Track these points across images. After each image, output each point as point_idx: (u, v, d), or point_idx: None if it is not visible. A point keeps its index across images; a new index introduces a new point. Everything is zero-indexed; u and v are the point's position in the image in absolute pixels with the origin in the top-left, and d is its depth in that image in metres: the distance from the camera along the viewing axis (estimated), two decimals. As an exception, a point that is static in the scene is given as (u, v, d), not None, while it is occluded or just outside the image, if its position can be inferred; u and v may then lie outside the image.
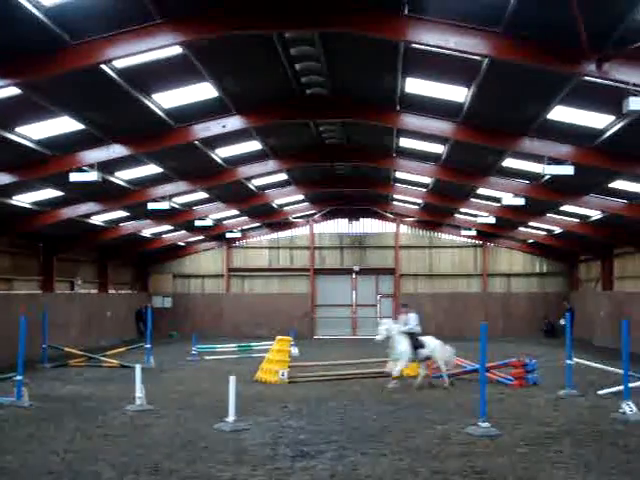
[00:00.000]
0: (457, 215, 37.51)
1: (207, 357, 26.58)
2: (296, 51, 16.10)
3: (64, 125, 18.02)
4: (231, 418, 13.04)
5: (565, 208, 29.02)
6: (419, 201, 35.48)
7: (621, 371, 15.63)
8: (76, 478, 9.61)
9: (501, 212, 31.88)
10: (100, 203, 26.73)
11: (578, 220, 31.20)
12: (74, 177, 20.03)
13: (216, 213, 34.08)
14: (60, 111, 16.98)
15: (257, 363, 21.32)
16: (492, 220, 33.55)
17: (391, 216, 41.61)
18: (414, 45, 14.49)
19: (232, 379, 13.19)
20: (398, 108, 19.62)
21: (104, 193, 25.47)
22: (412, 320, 19.40)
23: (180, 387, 18.89)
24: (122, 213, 30.20)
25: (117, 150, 20.42)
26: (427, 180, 29.38)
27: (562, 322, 31.31)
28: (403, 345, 18.46)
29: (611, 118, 16.65)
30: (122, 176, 24.01)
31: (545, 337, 39.13)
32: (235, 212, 35.52)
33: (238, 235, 40.57)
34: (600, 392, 17.28)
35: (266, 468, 10.10)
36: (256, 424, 13.45)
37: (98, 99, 16.91)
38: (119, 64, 14.86)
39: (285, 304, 41.67)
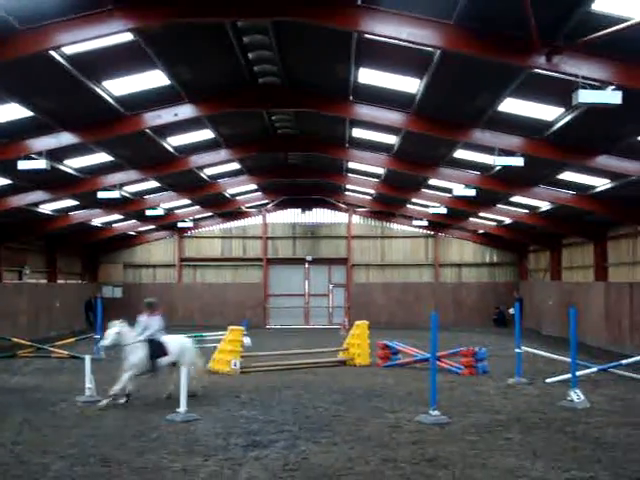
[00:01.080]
0: (409, 205, 37.76)
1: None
2: (249, 40, 16.01)
3: (12, 112, 17.69)
4: (182, 409, 12.96)
5: (515, 199, 29.42)
6: (371, 191, 35.65)
7: (569, 359, 15.92)
8: (25, 470, 9.47)
9: (452, 203, 32.18)
10: (49, 191, 26.33)
11: (527, 211, 31.67)
12: (22, 165, 19.66)
13: (168, 202, 33.78)
14: (8, 98, 16.67)
15: (209, 353, 21.22)
16: (443, 210, 33.86)
17: (344, 206, 41.73)
18: (367, 36, 14.52)
19: (184, 369, 13.12)
20: (351, 98, 19.66)
21: (53, 181, 25.07)
22: (154, 324, 15.70)
23: (131, 378, 18.68)
24: (72, 202, 29.76)
25: (66, 138, 20.12)
26: (380, 171, 29.52)
27: (512, 311, 31.77)
28: (136, 355, 14.83)
29: (560, 110, 16.89)
30: (72, 164, 23.66)
31: (495, 326, 39.66)
32: (187, 201, 35.28)
33: (190, 225, 40.32)
34: (548, 380, 17.57)
35: (218, 458, 10.07)
36: (208, 414, 13.40)
37: (47, 86, 16.63)
38: (69, 51, 14.63)
39: (238, 294, 41.60)
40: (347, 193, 38.45)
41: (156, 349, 15.26)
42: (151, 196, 32.14)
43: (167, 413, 13.20)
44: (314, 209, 42.46)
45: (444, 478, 9.02)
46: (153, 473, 9.35)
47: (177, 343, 16.01)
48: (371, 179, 32.19)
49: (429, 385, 13.17)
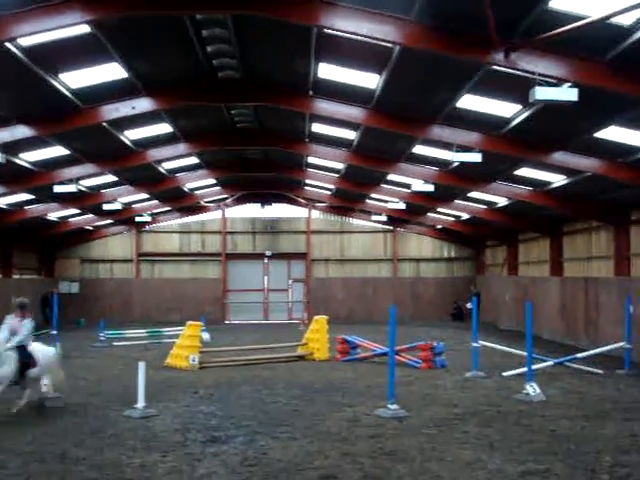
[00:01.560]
0: (368, 201, 37.86)
1: (116, 343, 26.13)
2: (208, 33, 15.87)
3: (-35, 104, 17.37)
4: (140, 404, 12.88)
5: (473, 194, 29.68)
6: (331, 186, 35.67)
7: (525, 353, 16.13)
8: (-22, 468, 9.33)
9: (411, 198, 32.35)
10: (4, 185, 25.89)
11: (485, 206, 31.96)
12: (-24, 159, 19.32)
13: (125, 196, 33.42)
14: (-39, 90, 16.36)
15: (167, 349, 21.11)
16: (402, 206, 34.03)
17: (303, 201, 41.72)
18: (327, 31, 14.50)
19: (141, 365, 13.02)
20: (311, 93, 19.64)
21: (8, 175, 24.64)
22: (25, 328, 13.29)
23: (88, 374, 18.53)
24: (27, 196, 29.28)
25: (22, 131, 19.76)
26: (339, 166, 29.56)
27: (469, 306, 32.09)
28: (8, 366, 12.71)
29: (518, 107, 17.06)
30: (27, 158, 23.27)
31: (453, 321, 40.03)
32: (145, 196, 34.93)
33: (148, 219, 39.91)
34: (505, 374, 17.79)
35: (176, 454, 10.03)
36: (166, 410, 13.33)
37: (2, 78, 16.32)
38: (25, 42, 14.37)
39: (196, 289, 41.37)
40: (307, 188, 38.44)
41: (25, 359, 13.03)
42: (108, 190, 31.73)
43: (125, 409, 13.10)
44: (274, 204, 42.35)
45: (402, 471, 9.09)
46: (112, 469, 9.28)
47: (43, 353, 13.68)
48: (331, 174, 32.21)
49: (388, 379, 13.26)
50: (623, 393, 15.28)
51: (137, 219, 39.15)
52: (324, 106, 20.04)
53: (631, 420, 12.33)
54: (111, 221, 40.08)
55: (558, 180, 23.59)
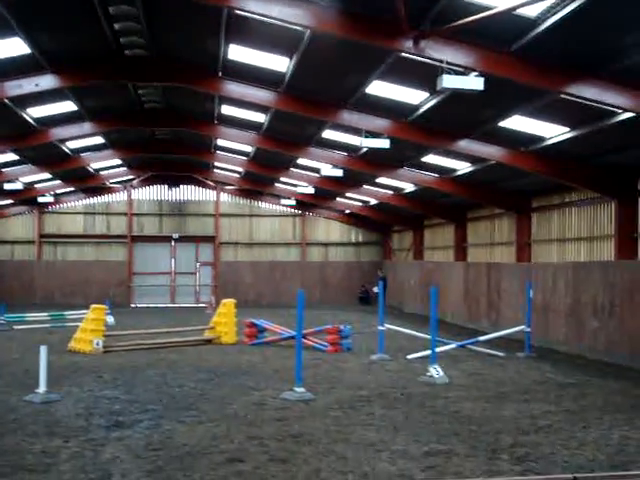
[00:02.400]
0: (277, 184, 37.86)
1: (17, 327, 25.38)
2: (115, 10, 15.46)
3: None
4: (42, 389, 12.54)
5: (381, 180, 30.03)
6: (240, 169, 35.50)
7: (429, 336, 16.47)
8: None
9: (320, 182, 32.52)
10: None
11: (392, 192, 32.40)
12: None
13: (27, 176, 32.39)
14: None
15: (71, 333, 20.63)
16: (311, 190, 34.18)
17: (212, 184, 41.37)
18: (238, 12, 14.36)
19: (43, 349, 12.66)
20: (220, 75, 19.44)
21: None
22: None
23: (-14, 358, 17.95)
24: None
25: None
26: (248, 149, 29.43)
27: (376, 290, 32.53)
28: None
29: (425, 95, 17.32)
30: None
31: (360, 304, 40.51)
32: (48, 175, 33.93)
33: (51, 200, 38.79)
34: (409, 356, 18.12)
35: (79, 439, 9.82)
36: (69, 395, 13.03)
37: None
38: None
39: (101, 272, 40.49)
40: (215, 171, 38.12)
41: None
42: (9, 169, 30.68)
43: (26, 394, 12.75)
44: (181, 186, 41.85)
45: (308, 453, 9.15)
46: (12, 455, 9.02)
47: None
48: (240, 157, 32.05)
49: (295, 363, 13.31)
50: (523, 375, 15.78)
51: (39, 199, 38.02)
52: (234, 88, 19.88)
53: (530, 401, 12.75)
54: (12, 201, 38.75)
55: (463, 167, 24.13)
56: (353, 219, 42.46)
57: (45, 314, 27.62)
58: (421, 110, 18.38)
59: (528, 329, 19.02)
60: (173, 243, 42.02)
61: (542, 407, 12.20)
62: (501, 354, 18.70)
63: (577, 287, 19.75)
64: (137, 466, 8.58)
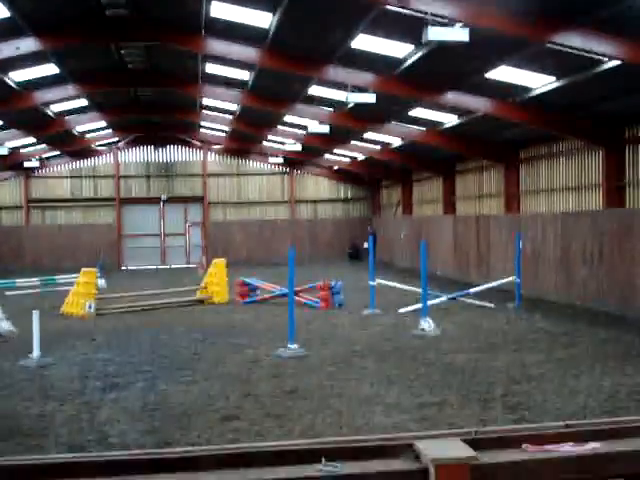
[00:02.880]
0: (265, 143, 37.67)
1: (7, 293, 25.32)
2: (94, -32, 15.24)
3: None
4: (36, 353, 12.58)
5: (368, 135, 29.89)
6: (226, 128, 35.27)
7: (420, 290, 16.54)
8: None
9: (307, 139, 32.36)
10: None
11: (380, 147, 32.28)
12: None
13: (12, 141, 32.06)
14: None
15: (62, 297, 20.62)
16: (299, 147, 34.01)
17: (198, 144, 41.13)
18: (218, -33, 14.15)
19: (35, 313, 12.68)
20: (203, 33, 19.19)
21: None
22: None
23: (-22, 325, 17.92)
24: None
25: None
26: (234, 107, 29.19)
27: (365, 246, 32.60)
28: None
29: (411, 47, 17.15)
30: None
31: (350, 260, 40.60)
32: (32, 140, 33.63)
33: (37, 164, 38.51)
34: (401, 310, 18.23)
35: (75, 402, 9.87)
36: (63, 359, 13.07)
37: None
38: None
39: (90, 235, 40.36)
40: (202, 130, 37.85)
41: None
42: (-7, 134, 30.44)
43: (20, 359, 12.78)
44: (168, 146, 41.59)
45: (303, 409, 9.24)
46: (8, 420, 9.07)
47: None
48: (226, 116, 31.81)
49: (287, 320, 13.38)
50: (513, 325, 15.92)
51: (25, 164, 37.73)
52: (217, 46, 19.66)
53: (521, 351, 12.88)
54: (-3, 167, 38.48)
55: (450, 120, 24.01)
56: (341, 175, 42.36)
57: (35, 279, 27.56)
58: (407, 63, 18.21)
59: (518, 280, 19.14)
60: (161, 204, 41.87)
61: (533, 357, 12.33)
62: (491, 305, 18.84)
63: (566, 237, 19.84)
64: (133, 427, 8.64)
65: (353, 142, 32.33)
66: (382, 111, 24.22)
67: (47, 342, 13.77)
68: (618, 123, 19.63)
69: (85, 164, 41.35)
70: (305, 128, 29.52)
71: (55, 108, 27.87)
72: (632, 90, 16.93)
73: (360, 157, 36.21)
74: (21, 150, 35.83)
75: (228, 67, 22.44)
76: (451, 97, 20.31)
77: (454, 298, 19.51)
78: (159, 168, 41.93)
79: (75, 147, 38.22)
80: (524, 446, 3.07)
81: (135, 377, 11.43)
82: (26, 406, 9.73)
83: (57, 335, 15.70)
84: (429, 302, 16.43)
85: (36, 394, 10.43)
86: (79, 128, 33.66)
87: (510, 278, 19.61)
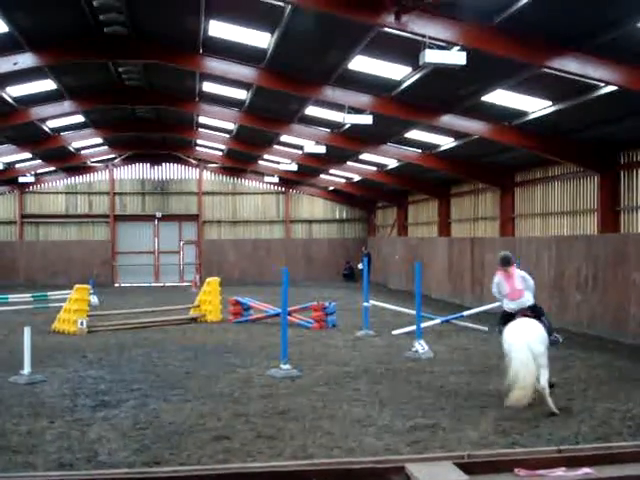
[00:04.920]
0: (260, 162, 37.72)
1: (0, 308, 25.19)
2: (93, -14, 15.30)
3: None
4: (27, 370, 12.50)
5: (364, 156, 29.98)
6: (222, 147, 35.33)
7: (414, 312, 16.51)
8: None
9: (303, 159, 32.42)
10: None
11: (376, 168, 32.35)
12: None
13: (7, 156, 32.12)
14: None
15: (54, 313, 20.53)
16: (294, 167, 34.07)
17: (194, 162, 41.16)
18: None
19: (27, 330, 12.61)
20: (201, 51, 19.27)
21: None
22: None
23: (-31, 340, 17.85)
24: None
25: None
26: (231, 126, 29.26)
27: (360, 266, 32.57)
28: None
29: (408, 70, 17.24)
30: None
31: (345, 281, 40.56)
32: (28, 155, 33.65)
33: (32, 180, 38.49)
34: (394, 332, 18.19)
35: (65, 420, 9.80)
36: (54, 375, 12.99)
37: None
38: None
39: (84, 252, 40.24)
40: (198, 148, 37.91)
41: None
42: (-11, 149, 30.44)
43: (10, 375, 12.69)
44: (164, 164, 41.62)
45: (294, 430, 9.18)
46: (-4, 437, 8.99)
47: None
48: (222, 134, 31.88)
49: (280, 340, 13.32)
50: (506, 349, 15.87)
51: (20, 179, 37.72)
52: (215, 65, 19.73)
53: (513, 374, 12.82)
54: (-8, 181, 38.46)
55: (446, 143, 24.11)
56: (337, 196, 42.40)
57: (28, 295, 27.43)
58: (404, 85, 18.30)
59: (512, 303, 19.07)
60: (156, 222, 41.82)
61: (526, 380, 12.27)
62: (485, 328, 18.79)
63: (560, 261, 19.85)
64: (124, 445, 8.58)
65: (349, 163, 32.41)
66: (378, 132, 24.30)
67: (38, 359, 13.71)
68: (613, 148, 19.73)
69: (80, 180, 41.30)
70: (301, 148, 29.59)
71: (51, 124, 27.92)
72: (627, 115, 17.02)
73: (356, 178, 36.28)
74: (16, 165, 35.84)
75: (225, 86, 22.52)
76: (447, 120, 20.40)
77: (448, 321, 19.47)
78: (154, 186, 41.92)
79: (71, 163, 38.24)
80: (516, 470, 3.06)
81: (126, 395, 11.36)
82: (16, 423, 9.65)
83: (48, 352, 15.62)
84: (423, 324, 16.40)
85: (26, 411, 10.35)
86: (75, 144, 33.71)
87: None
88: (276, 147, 31.83)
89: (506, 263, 11.34)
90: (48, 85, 22.23)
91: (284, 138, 29.14)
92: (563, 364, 13.84)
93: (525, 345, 10.00)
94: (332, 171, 35.72)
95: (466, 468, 2.98)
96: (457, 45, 13.78)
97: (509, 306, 11.29)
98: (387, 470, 3.02)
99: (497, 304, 19.71)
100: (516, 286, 11.15)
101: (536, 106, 18.08)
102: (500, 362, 14.08)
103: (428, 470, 2.93)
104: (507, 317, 11.25)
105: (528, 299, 11.20)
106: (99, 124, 30.32)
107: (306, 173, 37.35)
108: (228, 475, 2.94)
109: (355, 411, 10.19)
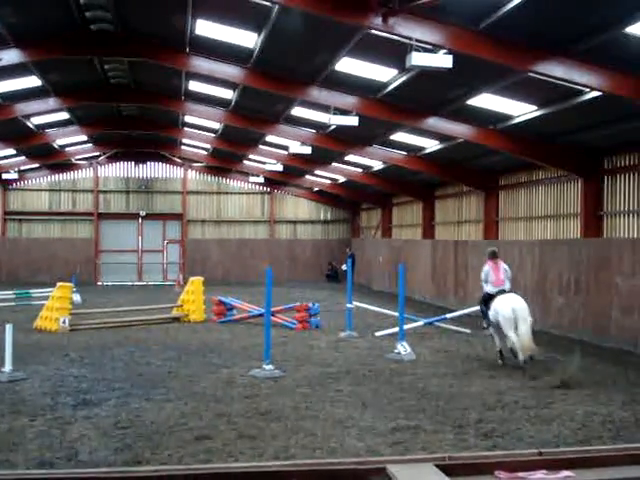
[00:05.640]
0: (246, 162, 37.69)
1: (-19, 305, 25.07)
2: (80, -17, 15.25)
3: None
4: (7, 368, 12.42)
5: (349, 158, 30.02)
6: (208, 146, 35.26)
7: (397, 314, 16.54)
8: None
9: (288, 160, 32.41)
10: None
11: (361, 170, 32.40)
12: None
13: (-10, 152, 31.94)
14: None
15: (36, 311, 20.43)
16: (280, 168, 34.06)
17: (179, 161, 41.06)
18: (205, -14, 14.20)
19: (8, 327, 12.54)
20: (188, 50, 19.24)
21: None
22: None
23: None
24: None
25: None
26: (216, 125, 29.22)
27: (344, 268, 32.61)
28: None
29: (394, 72, 17.28)
30: None
31: (328, 282, 40.57)
32: (12, 152, 33.44)
33: (15, 176, 38.26)
34: (377, 334, 18.21)
35: (46, 418, 9.75)
36: (35, 373, 12.92)
37: None
38: None
39: (67, 250, 40.03)
40: (183, 147, 37.83)
41: None
42: (-28, 145, 30.23)
43: (-10, 373, 12.61)
44: (148, 163, 41.49)
45: (276, 430, 9.18)
46: (-25, 435, 8.93)
47: None
48: (207, 134, 31.83)
49: (263, 340, 13.32)
50: (489, 352, 15.91)
51: (3, 176, 37.50)
52: (201, 64, 19.70)
53: (496, 378, 12.89)
54: (-25, 178, 38.20)
55: (431, 145, 24.18)
56: (322, 197, 42.42)
57: (10, 292, 27.31)
58: (390, 87, 18.34)
59: (495, 306, 19.15)
60: (140, 220, 41.69)
61: (508, 383, 12.35)
62: (468, 331, 18.86)
63: (543, 265, 19.95)
64: (105, 444, 8.54)
65: (334, 164, 32.44)
66: (364, 134, 24.34)
67: (19, 356, 13.62)
68: (597, 153, 19.84)
69: (64, 178, 41.09)
70: (287, 148, 29.59)
71: (36, 121, 27.76)
72: (612, 121, 17.13)
73: (341, 179, 36.31)
74: (0, 162, 35.60)
75: (211, 85, 22.48)
76: (433, 122, 20.46)
77: (431, 323, 19.52)
78: (139, 184, 41.78)
79: (55, 160, 38.06)
80: (496, 473, 3.07)
81: (108, 394, 11.31)
82: (-5, 421, 9.59)
83: (30, 349, 15.54)
84: (406, 326, 16.44)
85: (6, 409, 10.29)
86: (59, 141, 33.54)
87: (487, 304, 19.62)
88: (261, 147, 31.81)
89: (494, 256, 14.66)
90: (33, 81, 22.11)
91: (270, 138, 29.13)
92: (545, 367, 13.91)
93: (525, 308, 13.61)
94: (317, 172, 35.74)
95: (447, 470, 2.99)
96: (444, 48, 13.83)
97: (491, 290, 14.30)
98: (368, 471, 3.03)
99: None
100: (500, 276, 14.35)
101: (521, 110, 18.17)
102: (483, 364, 14.17)
103: (409, 472, 2.94)
104: (488, 298, 14.32)
105: (507, 286, 14.35)
106: (84, 121, 30.17)
107: (291, 174, 37.35)
108: (209, 475, 2.94)
109: (337, 412, 10.20)
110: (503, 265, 14.52)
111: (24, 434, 8.99)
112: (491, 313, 13.91)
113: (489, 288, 14.33)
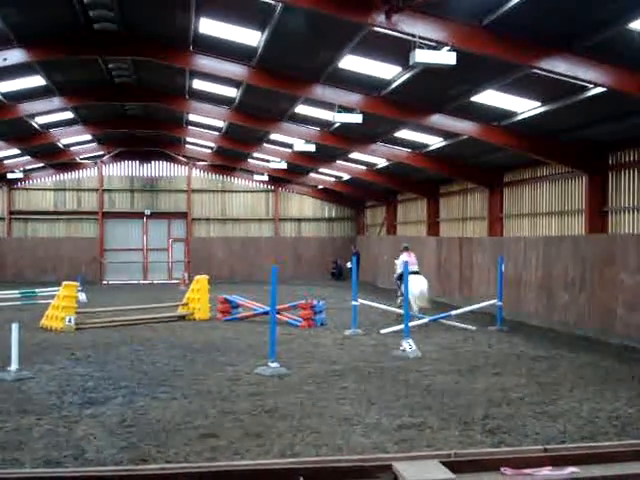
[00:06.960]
0: (250, 160, 37.71)
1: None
2: (83, -18, 15.26)
3: None
4: (14, 367, 12.45)
5: (354, 155, 30.01)
6: (212, 145, 35.29)
7: (402, 311, 16.53)
8: None
9: (293, 158, 32.42)
10: None
11: (365, 167, 32.39)
12: None
13: (-5, 152, 31.99)
14: None
15: (42, 310, 20.47)
16: (284, 166, 34.06)
17: (184, 159, 41.10)
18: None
19: (15, 326, 12.57)
20: (191, 48, 19.25)
21: None
22: None
23: (-44, 336, 17.75)
24: None
25: None
26: (220, 124, 29.23)
27: (349, 265, 32.59)
28: None
29: (398, 69, 17.28)
30: None
31: (333, 280, 40.57)
32: (17, 151, 33.51)
33: (20, 176, 38.35)
34: (383, 331, 18.20)
35: (52, 417, 9.77)
36: (41, 372, 12.95)
37: None
38: None
39: (72, 249, 40.12)
40: (187, 146, 37.86)
41: None
42: (-23, 145, 30.29)
43: (-3, 372, 12.65)
44: (153, 161, 41.53)
45: (282, 428, 9.19)
46: (-18, 434, 8.95)
47: None
48: (212, 132, 31.84)
49: (268, 338, 13.32)
50: (494, 348, 15.93)
51: (9, 176, 37.57)
52: (205, 62, 19.72)
53: (502, 374, 12.88)
54: (-20, 178, 38.28)
55: (436, 142, 24.16)
56: (326, 194, 42.43)
57: (15, 292, 27.36)
58: (394, 85, 18.34)
59: (500, 303, 19.17)
60: (145, 219, 41.75)
61: (513, 380, 12.33)
62: (473, 328, 18.85)
63: (548, 261, 19.92)
64: (111, 443, 8.56)
65: (338, 162, 32.43)
66: (368, 131, 24.34)
67: (26, 355, 13.66)
68: (602, 149, 19.81)
69: (69, 177, 41.18)
70: (291, 146, 29.59)
71: (40, 120, 27.82)
72: (616, 117, 17.11)
73: (345, 177, 36.30)
74: (5, 161, 35.67)
75: (215, 84, 22.49)
76: (437, 119, 20.46)
77: (436, 320, 19.51)
78: (143, 183, 41.83)
79: (59, 160, 38.13)
80: (502, 469, 3.07)
81: (114, 392, 11.33)
82: (2, 420, 9.61)
83: (36, 348, 15.57)
84: (411, 323, 16.43)
85: (13, 408, 10.31)
86: (64, 141, 33.60)
87: (492, 301, 19.63)
88: (266, 145, 31.82)
89: (407, 249, 21.11)
90: (37, 81, 22.17)
91: (274, 136, 29.14)
92: (550, 363, 13.91)
93: (425, 283, 19.74)
94: (322, 170, 35.74)
95: (453, 467, 3.00)
96: (447, 45, 13.81)
97: (410, 269, 18.03)
98: (374, 468, 3.04)
99: (485, 304, 19.87)
100: (413, 261, 20.43)
101: (525, 106, 18.15)
102: (488, 361, 14.17)
103: (415, 468, 2.95)
104: (401, 276, 18.64)
105: (416, 268, 20.33)
106: (88, 121, 30.23)
107: (296, 172, 37.35)
108: (215, 473, 2.95)
109: (343, 409, 10.20)
110: (413, 254, 20.97)
111: (31, 433, 9.01)
112: (404, 286, 16.89)
113: (409, 268, 17.45)
